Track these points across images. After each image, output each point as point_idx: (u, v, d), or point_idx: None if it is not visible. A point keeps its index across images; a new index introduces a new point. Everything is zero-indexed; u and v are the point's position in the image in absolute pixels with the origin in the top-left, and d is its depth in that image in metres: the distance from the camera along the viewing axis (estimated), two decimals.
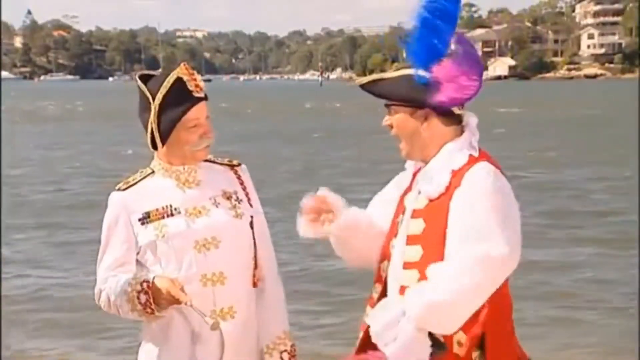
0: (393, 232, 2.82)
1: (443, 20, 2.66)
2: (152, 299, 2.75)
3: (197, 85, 2.86)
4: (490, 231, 2.49)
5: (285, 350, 3.02)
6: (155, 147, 2.88)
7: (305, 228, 2.92)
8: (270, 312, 3.01)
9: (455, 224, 2.56)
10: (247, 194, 3.01)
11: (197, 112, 2.85)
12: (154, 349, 2.93)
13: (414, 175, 2.82)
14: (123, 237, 2.89)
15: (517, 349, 2.75)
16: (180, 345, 2.88)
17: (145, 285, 2.76)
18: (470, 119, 2.72)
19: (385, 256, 2.83)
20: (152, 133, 2.84)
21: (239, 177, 3.03)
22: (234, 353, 2.91)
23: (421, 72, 2.65)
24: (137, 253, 2.90)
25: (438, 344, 2.57)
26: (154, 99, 2.82)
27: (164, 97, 2.80)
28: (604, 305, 8.60)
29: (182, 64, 2.88)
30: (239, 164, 3.07)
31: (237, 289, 2.91)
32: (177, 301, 2.72)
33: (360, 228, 2.90)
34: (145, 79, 2.90)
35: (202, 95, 2.87)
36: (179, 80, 2.83)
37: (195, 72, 2.89)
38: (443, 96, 2.62)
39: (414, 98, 2.67)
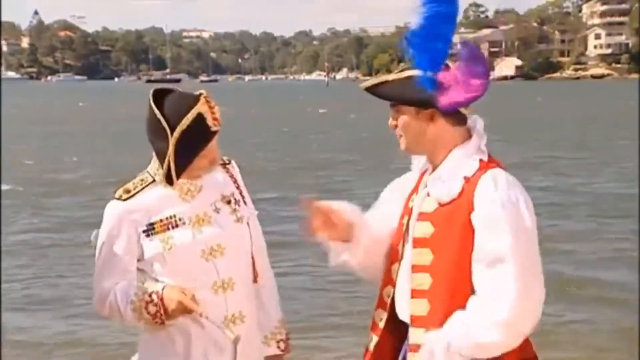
0: (400, 233, 2.80)
1: (444, 22, 2.63)
2: (163, 309, 2.73)
3: (215, 119, 2.79)
4: (510, 287, 2.48)
5: (282, 340, 3.08)
6: (170, 182, 2.82)
7: (335, 250, 2.88)
8: (266, 304, 3.05)
9: (478, 250, 2.56)
10: (240, 192, 3.01)
11: (211, 144, 2.81)
12: (159, 355, 2.88)
13: (421, 175, 2.81)
14: (124, 248, 2.85)
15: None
16: (190, 354, 2.85)
17: (154, 296, 2.73)
18: (477, 122, 2.70)
19: (395, 258, 2.80)
20: (168, 168, 2.78)
21: (231, 175, 3.02)
22: (244, 355, 2.88)
23: (426, 74, 2.63)
24: (138, 260, 2.86)
25: None
26: (172, 131, 2.73)
27: (184, 132, 2.73)
28: None
29: (202, 96, 2.78)
30: (229, 161, 3.05)
31: (244, 291, 2.92)
32: (189, 311, 2.71)
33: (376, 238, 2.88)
34: (158, 95, 2.79)
35: (218, 128, 2.81)
36: (199, 115, 2.75)
37: (214, 103, 2.80)
38: (449, 97, 2.60)
39: (419, 99, 2.65)
